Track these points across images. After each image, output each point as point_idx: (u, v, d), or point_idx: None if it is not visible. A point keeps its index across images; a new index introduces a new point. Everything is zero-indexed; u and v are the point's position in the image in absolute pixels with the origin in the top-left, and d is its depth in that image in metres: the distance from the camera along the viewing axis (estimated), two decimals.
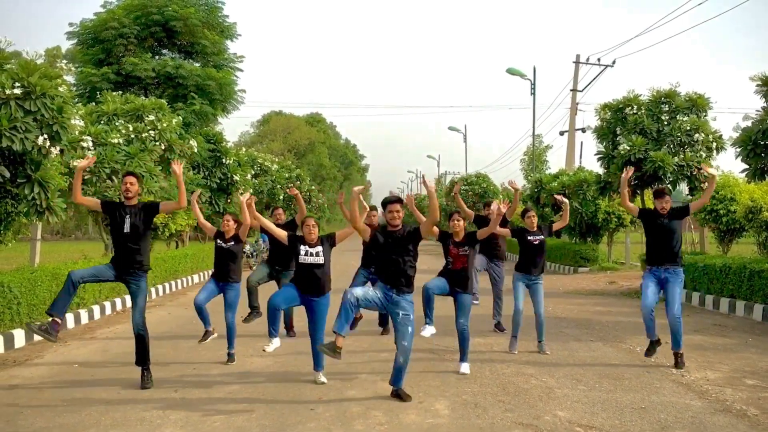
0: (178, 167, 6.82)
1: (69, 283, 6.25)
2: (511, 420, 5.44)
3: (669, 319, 7.17)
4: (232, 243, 7.78)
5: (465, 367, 7.03)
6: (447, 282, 7.08)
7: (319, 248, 6.62)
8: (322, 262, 6.57)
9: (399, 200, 6.26)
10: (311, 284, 6.56)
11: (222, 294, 7.67)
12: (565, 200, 8.57)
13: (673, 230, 7.39)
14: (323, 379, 6.63)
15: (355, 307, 5.84)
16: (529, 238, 8.22)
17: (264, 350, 6.53)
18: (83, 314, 10.51)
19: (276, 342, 6.55)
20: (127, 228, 6.44)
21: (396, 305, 6.00)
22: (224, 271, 7.70)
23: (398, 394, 6.03)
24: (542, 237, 8.26)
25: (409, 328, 5.96)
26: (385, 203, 6.22)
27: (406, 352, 5.95)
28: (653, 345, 7.44)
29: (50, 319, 6.14)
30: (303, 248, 6.59)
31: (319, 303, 6.61)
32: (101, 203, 6.68)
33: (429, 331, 6.85)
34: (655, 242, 7.45)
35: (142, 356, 6.56)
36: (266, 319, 6.56)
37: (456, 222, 7.24)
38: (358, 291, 5.93)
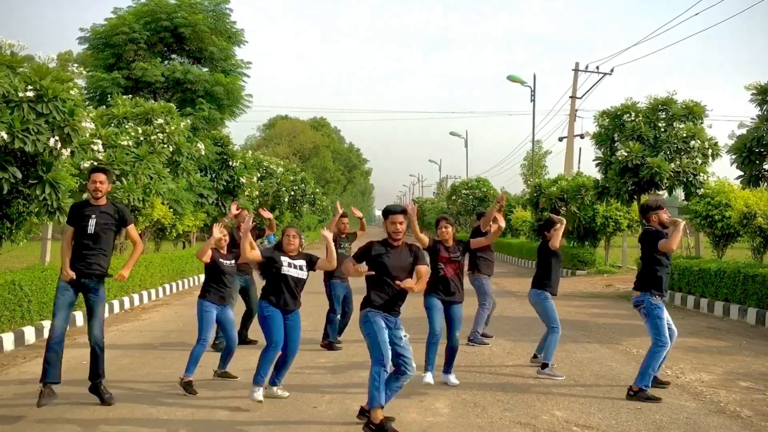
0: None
1: (52, 346, 5.62)
2: (509, 419, 5.43)
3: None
4: (233, 261, 6.87)
5: (453, 378, 6.61)
6: (441, 300, 6.56)
7: (303, 262, 6.03)
8: (305, 278, 6.04)
9: (403, 211, 5.46)
10: (291, 298, 5.96)
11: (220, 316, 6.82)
12: (563, 220, 7.42)
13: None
14: (282, 392, 6.12)
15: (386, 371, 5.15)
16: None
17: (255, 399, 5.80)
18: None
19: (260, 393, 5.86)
20: (91, 229, 5.76)
21: (397, 330, 5.29)
22: (222, 294, 6.70)
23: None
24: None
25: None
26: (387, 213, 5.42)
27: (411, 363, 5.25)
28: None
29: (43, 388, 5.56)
30: (285, 259, 5.96)
31: (295, 319, 6.04)
32: (70, 214, 5.86)
33: (429, 378, 6.41)
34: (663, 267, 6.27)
35: (97, 370, 5.81)
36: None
37: (444, 229, 6.74)
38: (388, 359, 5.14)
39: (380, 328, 5.16)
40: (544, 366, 6.97)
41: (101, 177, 5.85)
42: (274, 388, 6.06)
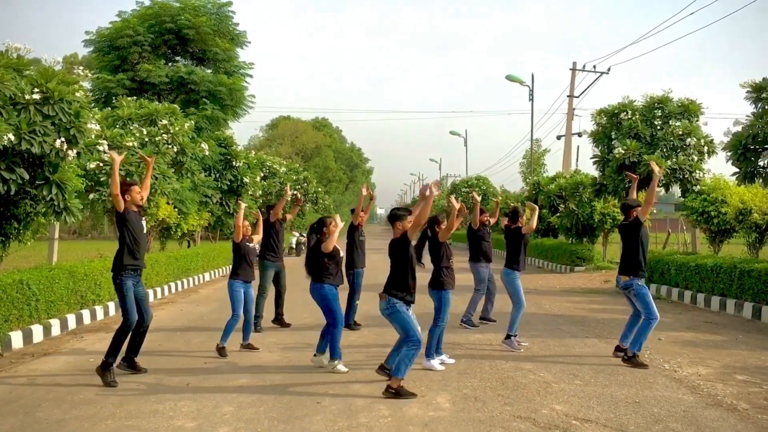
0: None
1: (133, 330, 6.58)
2: (509, 413, 5.42)
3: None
4: (252, 244, 8.03)
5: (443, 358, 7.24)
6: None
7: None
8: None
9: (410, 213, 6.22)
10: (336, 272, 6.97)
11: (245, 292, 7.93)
12: (534, 205, 8.70)
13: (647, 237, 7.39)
14: (341, 368, 6.83)
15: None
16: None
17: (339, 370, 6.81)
18: (99, 310, 10.52)
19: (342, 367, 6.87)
20: (144, 229, 6.74)
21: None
22: (249, 271, 7.88)
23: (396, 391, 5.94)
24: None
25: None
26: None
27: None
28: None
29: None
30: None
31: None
32: (123, 218, 6.58)
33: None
34: (641, 250, 7.20)
35: (137, 347, 6.82)
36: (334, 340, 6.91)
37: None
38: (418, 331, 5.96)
39: (413, 320, 6.05)
40: (507, 337, 7.92)
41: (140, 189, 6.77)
42: (322, 357, 6.99)
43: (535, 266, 23.16)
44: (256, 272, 8.28)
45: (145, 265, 6.76)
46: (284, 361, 7.38)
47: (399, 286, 5.94)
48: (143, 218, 6.82)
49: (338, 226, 6.85)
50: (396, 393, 5.80)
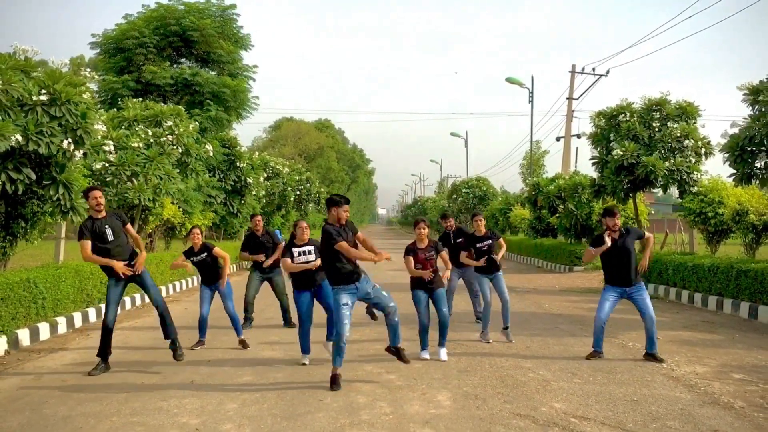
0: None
1: (107, 330, 6.76)
2: (509, 411, 5.43)
3: (647, 322, 7.25)
4: (204, 255, 8.04)
5: (444, 354, 7.28)
6: (425, 290, 7.26)
7: (310, 247, 7.10)
8: (312, 258, 7.04)
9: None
10: (308, 280, 7.03)
11: (216, 291, 8.23)
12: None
13: (628, 249, 7.24)
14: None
15: (344, 342, 6.13)
16: (477, 245, 8.32)
17: (304, 364, 7.04)
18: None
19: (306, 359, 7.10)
20: (110, 237, 6.69)
21: (363, 290, 6.22)
22: (210, 277, 8.17)
23: (398, 351, 6.42)
24: (490, 242, 8.33)
25: (384, 292, 6.33)
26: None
27: (395, 310, 6.34)
28: (595, 355, 7.40)
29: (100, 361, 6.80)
30: (296, 251, 7.07)
31: (324, 290, 7.09)
32: (90, 242, 6.62)
33: (425, 355, 7.26)
34: (611, 263, 7.34)
35: (167, 330, 7.03)
36: (298, 336, 7.13)
37: (421, 230, 7.29)
38: (346, 329, 6.08)
39: (345, 313, 6.13)
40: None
41: (99, 193, 6.68)
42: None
43: (535, 266, 23.16)
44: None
45: (123, 263, 6.77)
46: (286, 358, 7.38)
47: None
48: (107, 225, 6.69)
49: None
50: None
